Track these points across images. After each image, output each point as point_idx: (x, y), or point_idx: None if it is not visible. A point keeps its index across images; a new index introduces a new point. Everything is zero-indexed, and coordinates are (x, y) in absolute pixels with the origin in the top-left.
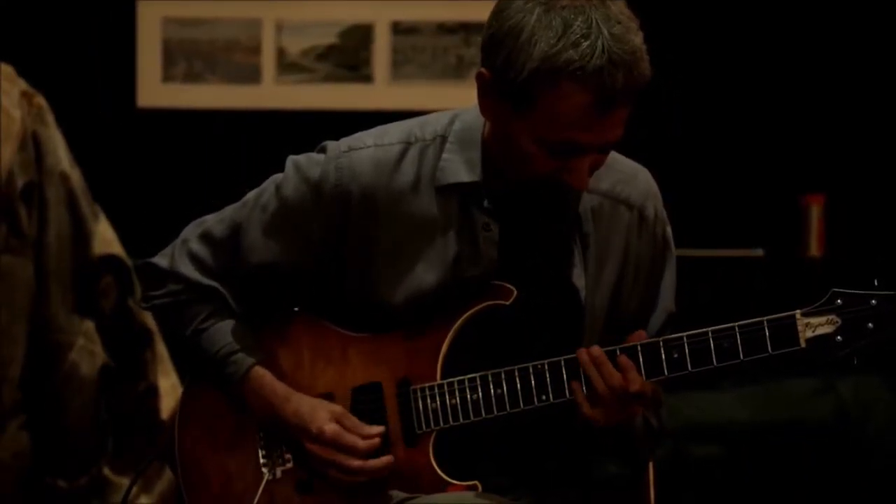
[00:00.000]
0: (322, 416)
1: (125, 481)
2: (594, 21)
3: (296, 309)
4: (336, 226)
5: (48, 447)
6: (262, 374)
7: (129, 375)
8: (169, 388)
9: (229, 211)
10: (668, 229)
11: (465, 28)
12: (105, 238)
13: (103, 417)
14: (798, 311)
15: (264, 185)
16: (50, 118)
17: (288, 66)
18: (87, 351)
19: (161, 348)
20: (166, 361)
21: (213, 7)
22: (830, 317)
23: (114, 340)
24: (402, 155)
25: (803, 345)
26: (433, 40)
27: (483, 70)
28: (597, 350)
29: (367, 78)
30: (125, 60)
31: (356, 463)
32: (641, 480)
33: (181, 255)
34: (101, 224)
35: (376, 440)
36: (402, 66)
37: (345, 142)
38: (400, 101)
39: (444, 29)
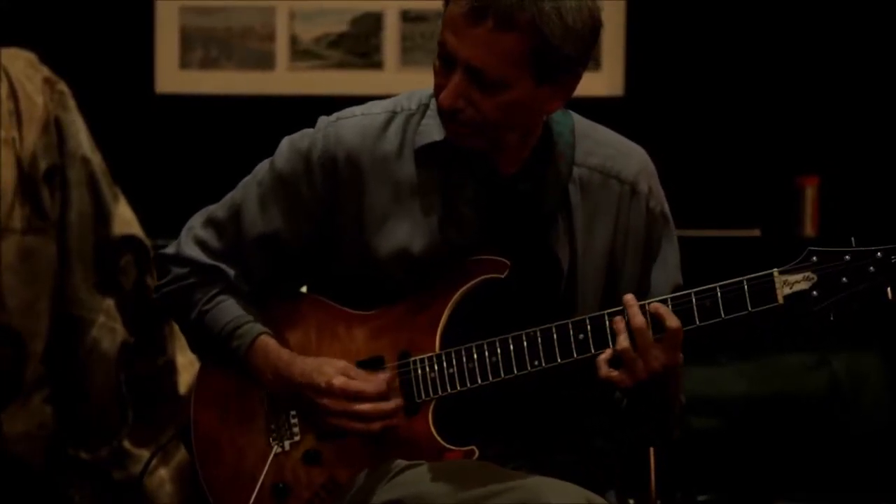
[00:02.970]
0: (328, 370)
1: (144, 453)
2: None
3: (303, 290)
4: (326, 192)
5: (71, 420)
6: (267, 341)
7: (147, 351)
8: (186, 364)
9: (230, 194)
10: (666, 206)
11: None
12: (125, 219)
13: (123, 391)
14: (775, 269)
15: (259, 165)
16: (71, 104)
17: (301, 53)
18: (108, 328)
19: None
20: (183, 338)
21: None
22: (806, 273)
23: (133, 317)
24: (388, 123)
25: (781, 301)
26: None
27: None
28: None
29: (378, 64)
30: (144, 48)
31: (367, 406)
32: (642, 451)
33: (187, 240)
34: (120, 205)
35: (383, 384)
36: (410, 52)
37: (335, 114)
38: (409, 86)
39: None
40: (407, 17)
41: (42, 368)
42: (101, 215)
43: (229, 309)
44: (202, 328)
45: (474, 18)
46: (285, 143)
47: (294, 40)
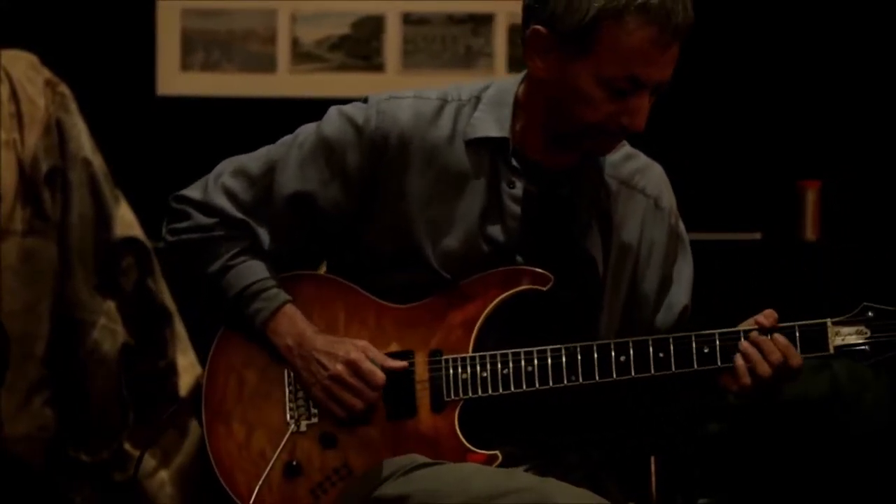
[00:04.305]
0: (349, 345)
1: (146, 455)
2: None
3: (323, 271)
4: (371, 165)
5: (72, 422)
6: (295, 310)
7: (148, 353)
8: (187, 366)
9: (265, 149)
10: (683, 227)
11: (473, 19)
12: (126, 221)
13: (124, 394)
14: (829, 319)
15: (301, 128)
16: (73, 105)
17: (302, 56)
18: (109, 330)
19: (179, 327)
20: (184, 340)
21: None
22: (860, 328)
23: (134, 319)
24: (440, 110)
25: (831, 351)
26: (442, 30)
27: (536, 27)
28: (754, 335)
29: (379, 67)
30: (145, 50)
31: (375, 373)
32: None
33: (215, 187)
34: (121, 207)
35: (394, 364)
36: (412, 55)
37: (386, 93)
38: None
39: (453, 20)
40: (408, 20)
41: (43, 370)
42: (103, 217)
43: (256, 269)
44: (223, 282)
45: (666, 44)
46: (335, 111)
47: (295, 43)
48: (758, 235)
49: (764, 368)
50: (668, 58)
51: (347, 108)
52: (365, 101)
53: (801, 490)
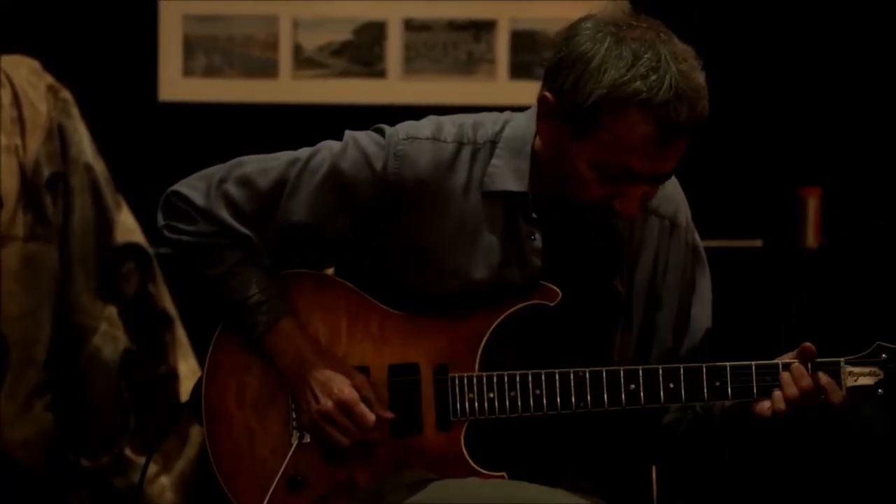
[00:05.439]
0: (341, 382)
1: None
2: (663, 56)
3: (330, 272)
4: (384, 207)
5: (72, 427)
6: (294, 325)
7: (149, 359)
8: (188, 372)
9: (276, 164)
10: (698, 238)
11: (474, 25)
12: (127, 227)
13: (125, 399)
14: (843, 358)
15: (317, 149)
16: (75, 111)
17: (304, 62)
18: (110, 336)
19: (180, 333)
20: (185, 346)
21: (232, 4)
22: (873, 369)
23: (135, 325)
24: (456, 155)
25: (844, 392)
26: (444, 37)
27: (546, 94)
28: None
29: (381, 73)
30: (147, 56)
31: (366, 416)
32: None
33: (217, 195)
34: (123, 213)
35: (382, 417)
36: (414, 61)
37: (402, 129)
38: (412, 95)
39: (455, 26)
40: (410, 25)
41: (44, 375)
42: (104, 223)
43: (258, 279)
44: (222, 289)
45: (666, 141)
46: (352, 143)
47: (297, 49)
48: (758, 242)
49: (792, 391)
50: (669, 153)
51: (365, 142)
52: (381, 133)
53: (801, 498)
